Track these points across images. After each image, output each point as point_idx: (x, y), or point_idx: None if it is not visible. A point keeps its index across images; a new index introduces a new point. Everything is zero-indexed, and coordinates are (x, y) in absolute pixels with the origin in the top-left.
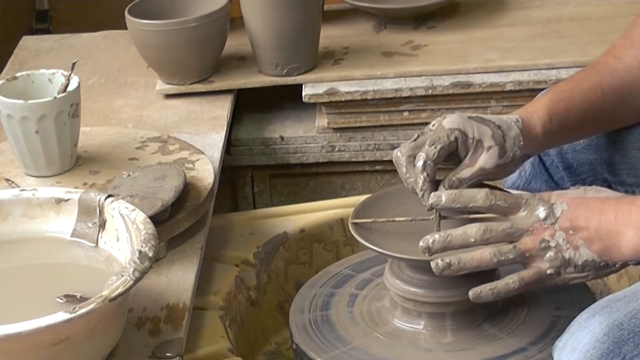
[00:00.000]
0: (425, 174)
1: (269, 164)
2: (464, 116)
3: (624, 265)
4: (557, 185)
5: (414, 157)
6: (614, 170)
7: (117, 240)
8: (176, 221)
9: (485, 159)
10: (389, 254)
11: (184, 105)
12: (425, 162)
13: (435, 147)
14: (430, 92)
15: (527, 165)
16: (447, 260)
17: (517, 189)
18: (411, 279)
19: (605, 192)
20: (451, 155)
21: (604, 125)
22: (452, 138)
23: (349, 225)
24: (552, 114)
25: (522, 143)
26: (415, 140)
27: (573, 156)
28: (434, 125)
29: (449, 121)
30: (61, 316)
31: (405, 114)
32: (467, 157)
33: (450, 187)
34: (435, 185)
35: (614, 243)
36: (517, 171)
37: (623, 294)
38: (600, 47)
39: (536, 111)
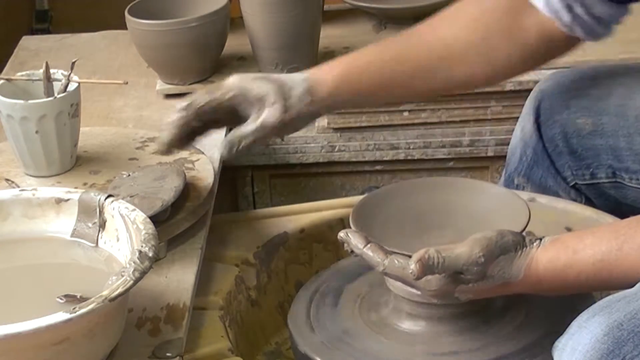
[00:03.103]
0: (182, 113)
1: (269, 164)
2: (248, 76)
3: None
4: (558, 173)
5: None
6: (619, 157)
7: (117, 240)
8: (176, 221)
9: (267, 114)
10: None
11: None
12: (187, 104)
13: (207, 95)
14: None
15: (529, 150)
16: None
17: (519, 175)
18: None
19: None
20: (235, 116)
21: (398, 96)
22: (229, 95)
23: (351, 223)
24: (343, 81)
25: (308, 100)
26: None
27: (578, 141)
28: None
29: (230, 81)
30: (61, 316)
31: (405, 114)
32: (252, 115)
33: (230, 144)
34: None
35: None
36: (519, 157)
37: (623, 295)
38: (599, 46)
39: (328, 73)
